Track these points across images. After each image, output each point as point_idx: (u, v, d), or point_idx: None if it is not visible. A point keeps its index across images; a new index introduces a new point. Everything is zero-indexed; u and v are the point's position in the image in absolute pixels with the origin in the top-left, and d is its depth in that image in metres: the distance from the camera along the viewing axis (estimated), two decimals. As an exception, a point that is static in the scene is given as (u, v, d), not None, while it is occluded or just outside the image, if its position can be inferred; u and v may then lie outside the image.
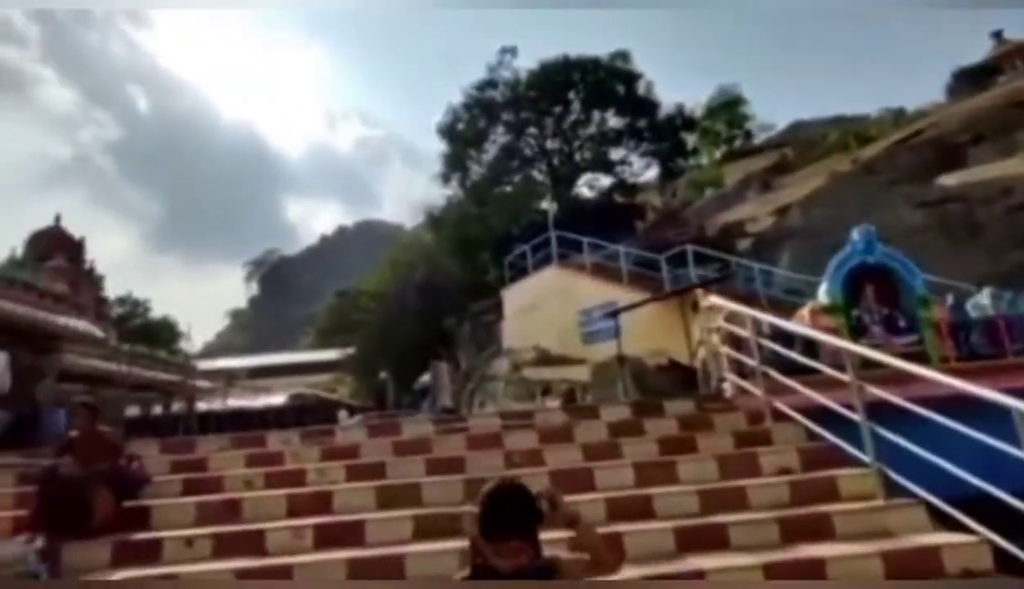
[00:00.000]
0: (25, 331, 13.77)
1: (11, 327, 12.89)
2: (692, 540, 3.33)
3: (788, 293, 14.90)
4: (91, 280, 28.29)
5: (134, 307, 50.40)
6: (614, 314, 14.91)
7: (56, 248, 25.67)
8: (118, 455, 4.20)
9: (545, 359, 18.66)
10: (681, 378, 15.57)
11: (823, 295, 8.20)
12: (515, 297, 21.44)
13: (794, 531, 3.40)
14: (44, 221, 30.09)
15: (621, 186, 27.13)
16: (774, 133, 33.20)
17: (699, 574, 2.94)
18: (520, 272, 21.98)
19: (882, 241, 18.04)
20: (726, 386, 5.64)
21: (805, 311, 6.32)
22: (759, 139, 31.90)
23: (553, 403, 16.53)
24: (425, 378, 22.38)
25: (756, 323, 5.23)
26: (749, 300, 14.56)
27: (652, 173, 28.63)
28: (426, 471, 4.41)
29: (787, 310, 13.94)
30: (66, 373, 19.40)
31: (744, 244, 21.14)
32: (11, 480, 4.74)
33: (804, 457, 4.22)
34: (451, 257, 27.99)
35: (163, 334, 50.58)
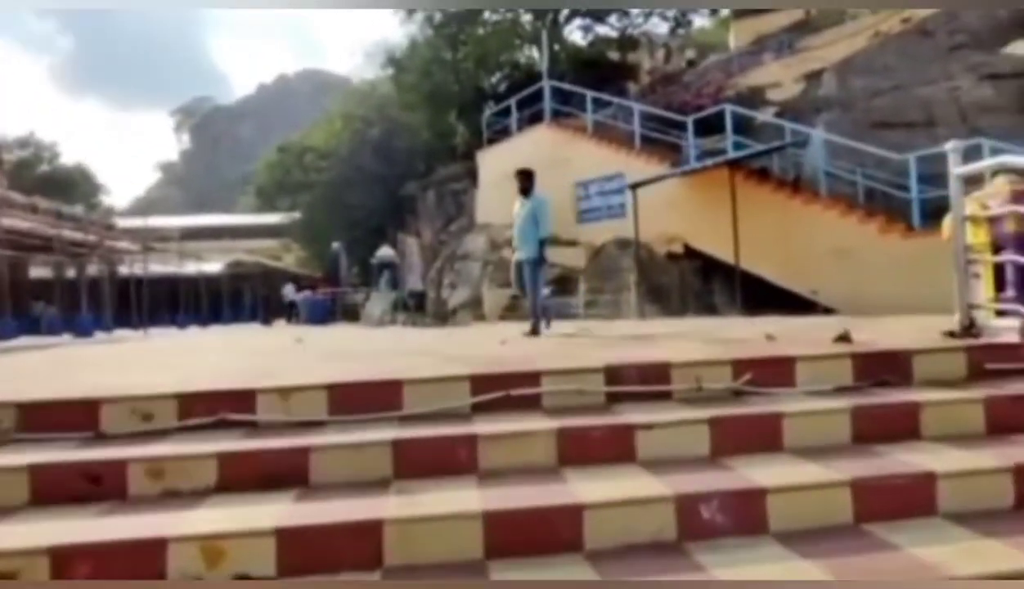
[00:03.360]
0: None
1: None
2: None
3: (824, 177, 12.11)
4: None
5: (38, 151, 43.62)
6: (634, 187, 12.03)
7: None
8: None
9: (531, 238, 15.86)
10: (694, 269, 13.19)
11: None
12: (494, 162, 18.08)
13: None
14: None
15: (620, 39, 22.99)
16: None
17: None
18: (500, 133, 18.47)
19: (936, 119, 15.28)
20: (998, 323, 3.06)
21: None
22: (776, -7, 27.61)
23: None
24: (383, 251, 19.28)
25: None
26: (796, 186, 11.86)
27: (651, 26, 24.45)
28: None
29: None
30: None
31: (763, 116, 17.86)
32: None
33: None
34: (414, 111, 23.84)
35: (79, 186, 44.55)
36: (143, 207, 71.64)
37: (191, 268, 26.61)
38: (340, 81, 58.17)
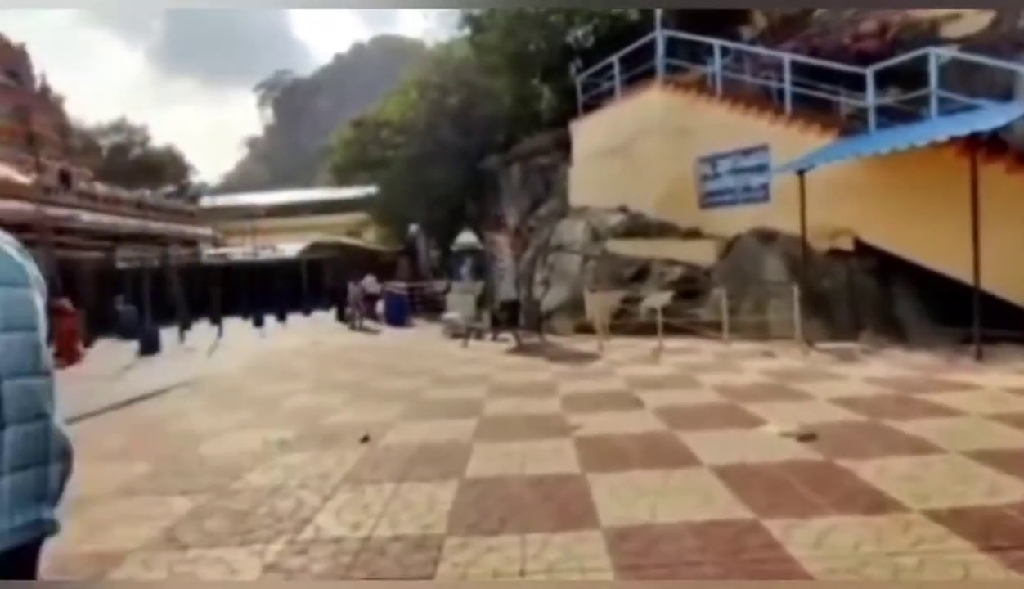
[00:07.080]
0: None
1: None
2: None
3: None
4: (45, 103, 22.40)
5: (131, 135, 44.55)
6: (801, 172, 9.00)
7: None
8: None
9: (642, 227, 13.10)
10: (867, 270, 10.07)
11: None
12: (592, 132, 15.32)
13: None
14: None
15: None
16: None
17: None
18: (598, 98, 15.61)
19: None
20: None
21: None
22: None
23: (661, 297, 11.33)
24: (465, 237, 17.07)
25: None
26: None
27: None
28: None
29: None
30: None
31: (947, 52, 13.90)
32: None
33: None
34: (496, 75, 21.23)
35: (168, 167, 45.37)
36: (233, 184, 73.58)
37: (268, 253, 25.74)
38: (415, 45, 56.03)
